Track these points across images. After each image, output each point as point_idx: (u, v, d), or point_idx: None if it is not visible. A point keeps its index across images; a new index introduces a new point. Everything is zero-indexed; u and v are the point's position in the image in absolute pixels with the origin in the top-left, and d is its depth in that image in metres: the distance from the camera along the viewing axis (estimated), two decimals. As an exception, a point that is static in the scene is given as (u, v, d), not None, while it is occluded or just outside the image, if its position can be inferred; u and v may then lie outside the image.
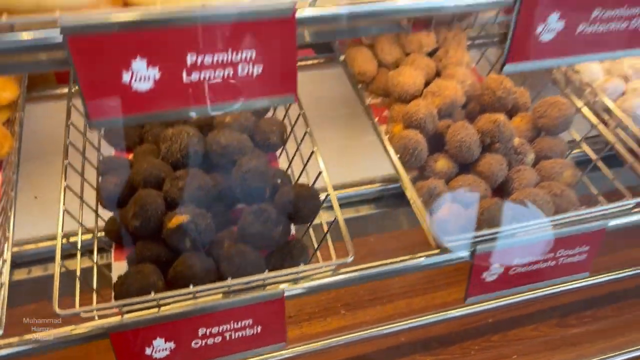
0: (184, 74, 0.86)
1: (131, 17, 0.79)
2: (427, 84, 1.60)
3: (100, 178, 1.35)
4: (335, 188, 1.66)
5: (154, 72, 0.84)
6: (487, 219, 1.24)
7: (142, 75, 0.84)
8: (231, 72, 0.88)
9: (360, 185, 1.78)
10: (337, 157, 1.85)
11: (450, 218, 1.27)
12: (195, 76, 0.86)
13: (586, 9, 1.01)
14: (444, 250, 1.25)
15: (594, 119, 1.52)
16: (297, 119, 1.43)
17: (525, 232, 1.27)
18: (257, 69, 0.89)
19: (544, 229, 1.27)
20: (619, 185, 1.40)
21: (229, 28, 0.84)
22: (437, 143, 1.51)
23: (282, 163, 1.49)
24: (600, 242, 1.34)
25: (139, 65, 0.83)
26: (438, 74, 1.66)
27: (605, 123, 1.56)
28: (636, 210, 1.36)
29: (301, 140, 1.40)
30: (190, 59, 0.85)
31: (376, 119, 1.56)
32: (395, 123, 1.54)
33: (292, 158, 1.41)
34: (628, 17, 1.04)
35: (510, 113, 1.60)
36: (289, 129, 1.46)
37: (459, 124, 1.44)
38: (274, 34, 0.86)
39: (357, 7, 0.90)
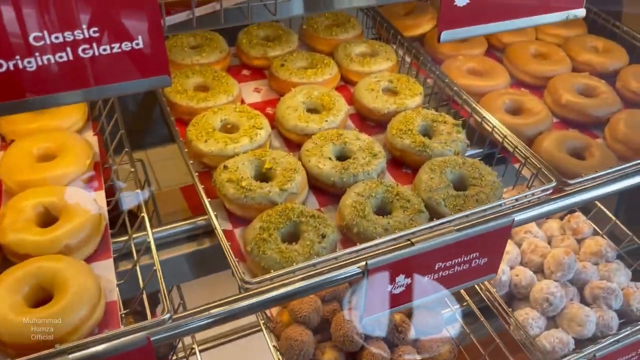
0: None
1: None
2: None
3: None
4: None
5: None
6: None
7: None
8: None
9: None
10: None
11: None
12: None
13: (429, 266, 1.11)
14: None
15: (465, 295, 1.65)
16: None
17: None
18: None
19: None
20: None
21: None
22: (324, 327, 1.58)
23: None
24: None
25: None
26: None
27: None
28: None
29: None
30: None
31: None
32: (283, 310, 1.60)
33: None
34: (468, 260, 1.16)
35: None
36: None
37: (341, 317, 1.51)
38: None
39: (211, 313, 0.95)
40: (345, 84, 1.67)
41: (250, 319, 1.88)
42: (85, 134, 1.37)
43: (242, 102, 1.55)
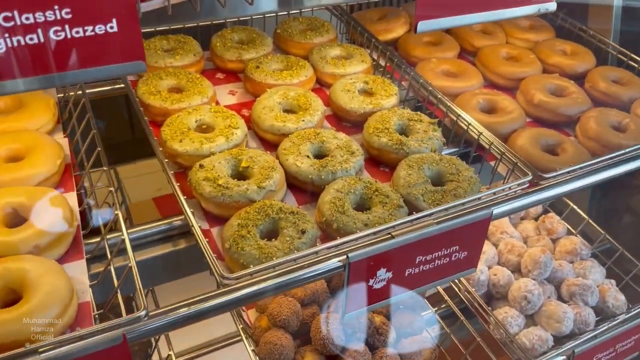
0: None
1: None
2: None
3: None
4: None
5: None
6: None
7: None
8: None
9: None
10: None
11: None
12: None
13: (409, 260, 1.10)
14: None
15: (444, 295, 1.65)
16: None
17: None
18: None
19: None
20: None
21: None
22: (304, 331, 1.55)
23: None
24: None
25: None
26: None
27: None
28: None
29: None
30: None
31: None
32: (261, 315, 1.57)
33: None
34: (448, 254, 1.16)
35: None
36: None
37: (320, 321, 1.49)
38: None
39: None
40: (321, 86, 1.66)
41: (229, 328, 1.84)
42: (55, 136, 1.33)
43: (217, 104, 1.53)
